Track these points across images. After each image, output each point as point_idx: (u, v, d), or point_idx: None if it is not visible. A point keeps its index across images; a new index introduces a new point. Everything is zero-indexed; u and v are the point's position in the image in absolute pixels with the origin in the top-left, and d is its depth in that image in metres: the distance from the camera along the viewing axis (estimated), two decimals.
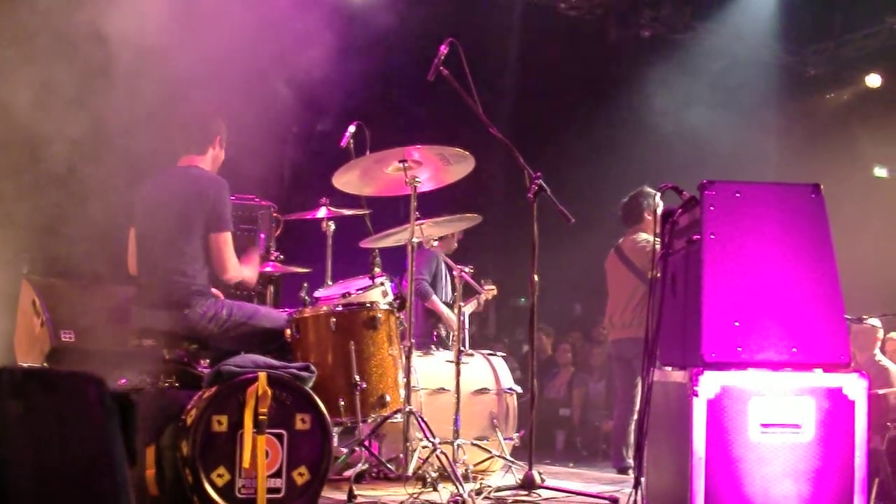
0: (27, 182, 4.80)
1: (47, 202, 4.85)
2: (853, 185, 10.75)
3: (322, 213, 6.11)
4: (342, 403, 4.96)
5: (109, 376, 4.61)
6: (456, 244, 7.99)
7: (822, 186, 3.80)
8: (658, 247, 7.12)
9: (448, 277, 7.96)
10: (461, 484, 4.62)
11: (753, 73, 11.75)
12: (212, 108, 5.37)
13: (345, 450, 5.45)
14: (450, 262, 6.43)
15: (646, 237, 7.31)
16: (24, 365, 5.32)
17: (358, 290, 5.40)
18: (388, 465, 5.20)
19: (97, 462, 1.87)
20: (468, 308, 8.03)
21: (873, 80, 11.76)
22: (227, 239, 5.07)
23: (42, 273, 5.61)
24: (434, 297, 7.45)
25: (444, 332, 7.55)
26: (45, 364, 5.13)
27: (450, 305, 7.87)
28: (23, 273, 5.61)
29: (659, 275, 4.21)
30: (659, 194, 7.35)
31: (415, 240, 5.28)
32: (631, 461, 7.14)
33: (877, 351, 8.02)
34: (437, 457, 4.89)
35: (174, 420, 4.32)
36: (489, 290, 8.25)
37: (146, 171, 5.26)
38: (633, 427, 7.21)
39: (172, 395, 4.62)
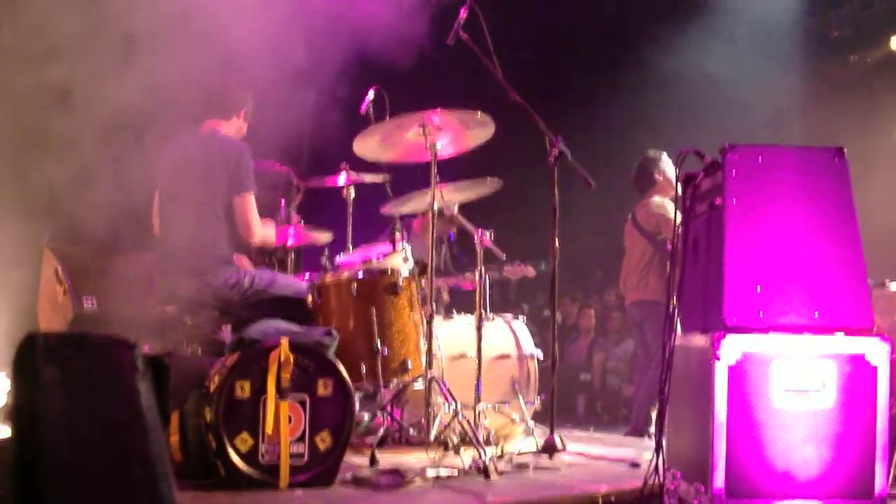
0: (47, 149, 4.82)
1: (68, 169, 4.87)
2: (877, 149, 10.67)
3: (342, 179, 6.11)
4: (364, 369, 4.99)
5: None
6: (455, 229, 8.00)
7: (845, 150, 3.77)
8: (671, 208, 7.18)
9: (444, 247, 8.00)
10: (483, 448, 4.64)
11: (776, 36, 11.63)
12: (242, 80, 5.41)
13: (367, 415, 5.48)
14: (469, 226, 6.40)
15: (657, 200, 7.34)
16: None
17: (379, 255, 5.41)
18: (411, 430, 5.23)
19: (131, 425, 1.89)
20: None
21: None
22: (250, 201, 5.12)
23: (64, 241, 5.64)
24: None
25: None
26: None
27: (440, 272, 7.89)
28: (44, 242, 5.64)
29: (679, 237, 4.19)
30: (665, 154, 7.40)
31: (435, 205, 5.27)
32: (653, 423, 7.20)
33: None
34: (459, 422, 4.91)
35: (197, 387, 4.36)
36: (529, 268, 8.21)
37: (169, 135, 5.28)
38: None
39: (195, 362, 4.66)
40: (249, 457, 4.10)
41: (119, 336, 1.98)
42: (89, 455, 1.84)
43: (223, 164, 5.06)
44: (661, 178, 7.44)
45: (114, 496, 1.86)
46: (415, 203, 5.81)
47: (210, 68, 5.13)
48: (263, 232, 5.26)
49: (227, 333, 5.14)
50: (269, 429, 4.10)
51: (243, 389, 4.13)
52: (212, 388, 4.18)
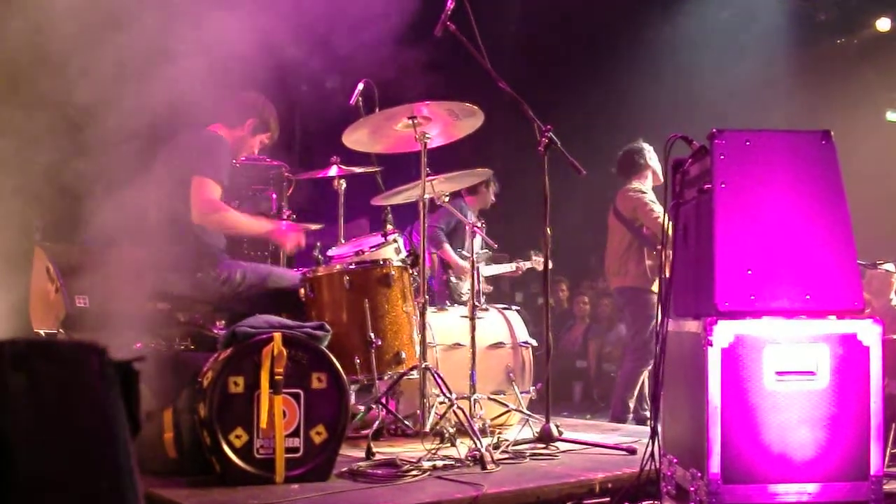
0: (40, 147, 4.78)
1: (60, 167, 4.84)
2: (865, 131, 10.69)
3: (333, 171, 6.11)
4: (358, 361, 4.99)
5: (125, 340, 4.64)
6: (493, 198, 8.14)
7: (832, 133, 3.77)
8: (649, 195, 7.23)
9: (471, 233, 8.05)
10: (479, 438, 4.65)
11: (763, 20, 11.64)
12: (262, 96, 5.40)
13: (362, 407, 5.48)
14: (461, 216, 6.41)
15: (636, 186, 7.40)
16: (38, 334, 5.35)
17: (371, 247, 5.41)
18: (406, 422, 5.23)
19: (98, 433, 1.85)
20: (500, 269, 8.21)
21: (884, 24, 11.63)
22: (205, 184, 5.01)
23: (55, 239, 5.62)
24: (446, 246, 7.61)
25: (453, 280, 7.70)
26: (60, 330, 5.16)
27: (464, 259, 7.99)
28: (35, 240, 5.62)
29: (669, 224, 4.20)
30: (651, 147, 7.46)
31: (426, 196, 5.27)
32: (631, 412, 7.25)
33: (893, 296, 8.02)
34: (454, 412, 4.92)
35: (191, 383, 4.35)
36: (539, 262, 8.37)
37: (168, 136, 5.26)
38: (637, 376, 7.31)
39: (188, 358, 4.65)
40: (244, 452, 4.09)
41: (88, 341, 1.95)
42: (55, 464, 1.80)
43: (192, 154, 5.05)
44: (644, 165, 7.47)
45: None
46: (405, 194, 5.81)
47: (219, 74, 5.11)
48: (216, 217, 5.11)
49: (220, 329, 5.13)
50: (263, 423, 4.10)
51: (237, 385, 4.12)
52: (205, 383, 4.18)
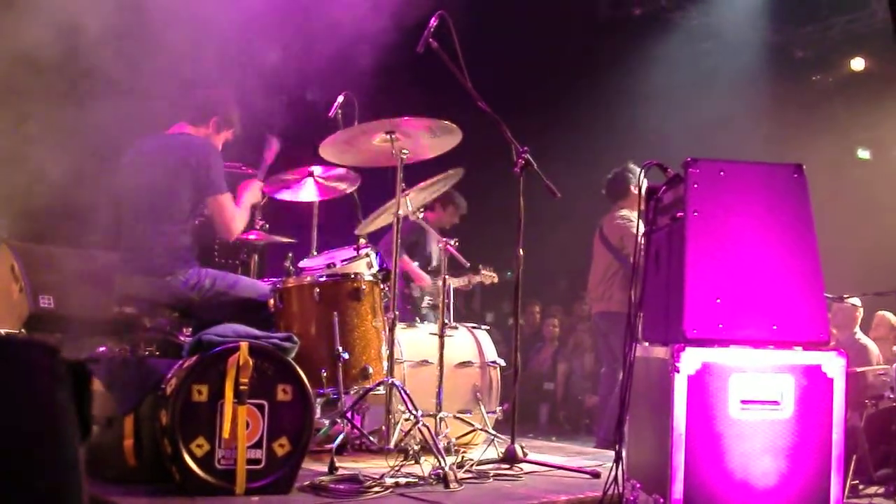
0: (6, 143, 4.74)
1: (27, 165, 4.79)
2: (837, 166, 10.82)
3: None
4: (324, 374, 4.96)
5: (89, 343, 4.60)
6: (457, 219, 8.16)
7: (804, 167, 3.81)
8: (637, 223, 7.20)
9: (437, 249, 8.02)
10: (443, 457, 4.63)
11: (741, 54, 11.77)
12: (224, 90, 5.36)
13: (326, 421, 5.45)
14: (436, 233, 6.39)
15: (625, 214, 7.35)
16: None
17: (343, 261, 5.39)
18: (370, 438, 5.20)
19: (43, 434, 1.81)
20: (455, 282, 8.13)
21: (858, 64, 11.82)
22: (224, 200, 5.05)
23: (22, 238, 5.56)
24: (404, 256, 7.55)
25: (416, 294, 7.69)
26: (22, 330, 5.10)
27: (432, 274, 7.96)
28: (1, 237, 5.56)
29: (641, 251, 4.21)
30: (642, 171, 7.43)
31: (400, 212, 5.26)
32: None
33: (857, 329, 8.09)
34: (420, 430, 4.90)
35: (154, 389, 4.31)
36: (489, 276, 8.39)
37: (135, 135, 5.21)
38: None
39: (152, 364, 4.60)
40: (205, 462, 4.05)
41: (40, 339, 1.91)
42: None
43: (188, 165, 5.00)
44: (635, 192, 7.41)
45: None
46: (383, 217, 5.81)
47: (185, 73, 5.07)
48: (239, 224, 5.20)
49: (186, 336, 5.09)
50: (226, 433, 4.05)
51: (201, 393, 4.08)
52: (168, 391, 4.14)
